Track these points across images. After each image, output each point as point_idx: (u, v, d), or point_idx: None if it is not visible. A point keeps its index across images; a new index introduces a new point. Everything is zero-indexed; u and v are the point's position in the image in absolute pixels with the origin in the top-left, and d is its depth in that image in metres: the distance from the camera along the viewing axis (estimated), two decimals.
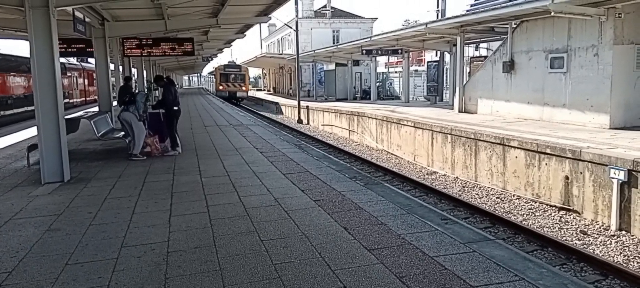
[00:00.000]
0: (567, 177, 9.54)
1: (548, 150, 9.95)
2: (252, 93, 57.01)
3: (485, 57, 22.33)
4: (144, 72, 30.29)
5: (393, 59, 38.60)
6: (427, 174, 13.71)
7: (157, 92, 20.27)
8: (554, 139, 10.43)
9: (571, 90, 13.06)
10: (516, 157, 10.91)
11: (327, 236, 4.85)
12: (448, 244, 4.58)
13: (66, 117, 8.44)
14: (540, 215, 9.42)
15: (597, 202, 8.86)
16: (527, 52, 14.65)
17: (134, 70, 25.65)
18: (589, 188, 9.02)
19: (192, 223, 5.40)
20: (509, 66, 15.20)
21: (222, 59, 67.29)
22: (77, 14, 10.21)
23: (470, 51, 28.66)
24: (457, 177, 12.96)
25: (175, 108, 10.75)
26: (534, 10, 12.95)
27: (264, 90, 70.17)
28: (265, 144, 11.62)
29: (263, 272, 4.01)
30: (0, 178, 8.32)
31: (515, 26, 15.26)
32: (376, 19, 50.82)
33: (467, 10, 17.51)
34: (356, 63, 33.79)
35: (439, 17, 24.72)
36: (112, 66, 17.02)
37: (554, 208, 9.72)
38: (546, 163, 10.04)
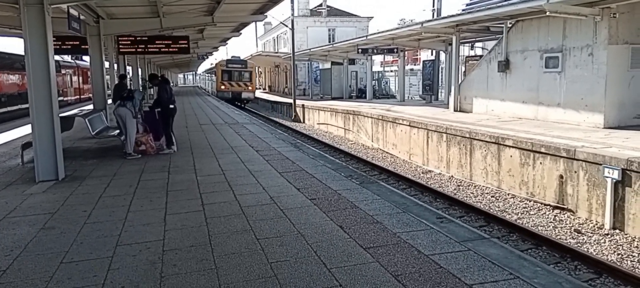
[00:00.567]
0: (561, 176, 9.58)
1: (543, 149, 9.99)
2: None
3: (481, 56, 22.39)
4: (139, 69, 30.20)
5: (389, 58, 38.68)
6: (422, 173, 13.73)
7: (151, 90, 20.24)
8: (549, 138, 10.47)
9: (566, 90, 13.12)
10: (511, 156, 10.94)
11: (323, 235, 4.86)
12: (443, 243, 4.59)
13: (61, 115, 8.40)
14: (534, 214, 9.46)
15: (591, 201, 8.91)
16: (522, 51, 14.70)
17: (128, 68, 25.56)
18: (583, 187, 9.07)
19: (187, 221, 5.39)
20: (504, 65, 15.25)
21: (218, 57, 64.73)
22: (72, 11, 10.16)
23: (465, 50, 28.69)
24: (452, 176, 12.99)
25: (172, 106, 10.73)
26: (529, 9, 13.00)
27: (260, 88, 69.88)
28: (261, 143, 11.61)
29: (259, 271, 4.01)
30: None
31: (510, 26, 15.30)
32: (372, 17, 50.82)
33: (463, 10, 17.54)
34: (352, 62, 33.79)
35: (435, 16, 24.74)
36: (107, 64, 16.94)
37: (548, 207, 9.76)
38: (541, 163, 10.08)
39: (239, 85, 37.20)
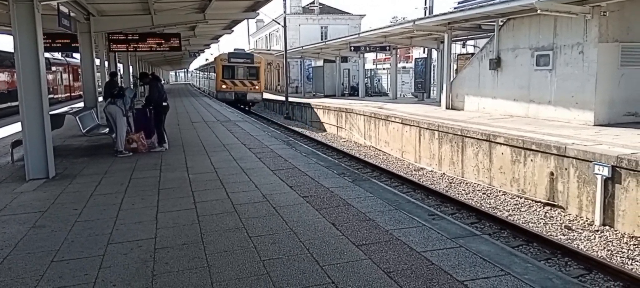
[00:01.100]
0: (552, 173, 9.65)
1: (533, 147, 10.05)
2: None
3: (472, 54, 22.48)
4: (131, 67, 30.04)
5: (381, 55, 38.71)
6: (414, 170, 13.78)
7: (142, 88, 20.13)
8: (540, 136, 10.54)
9: (556, 88, 13.21)
10: (502, 154, 11.01)
11: (316, 232, 4.86)
12: (435, 239, 4.61)
13: (51, 112, 8.33)
14: (525, 211, 9.53)
15: (582, 198, 8.99)
16: (514, 49, 14.78)
17: (119, 66, 25.40)
18: (574, 184, 9.14)
19: (179, 219, 5.37)
20: (496, 63, 15.32)
21: (215, 51, 61.50)
22: (62, 8, 10.07)
23: (457, 48, 28.80)
24: (444, 173, 13.04)
25: (164, 104, 10.68)
26: (521, 7, 13.06)
27: None
28: (253, 140, 11.59)
29: (251, 268, 4.00)
30: None
31: (502, 24, 15.38)
32: (364, 15, 50.90)
33: (455, 8, 17.60)
34: (344, 59, 33.82)
35: (427, 14, 24.80)
36: (97, 61, 16.83)
37: (539, 203, 9.83)
38: (531, 160, 10.15)
39: (244, 85, 30.41)
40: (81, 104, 17.78)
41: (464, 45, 29.55)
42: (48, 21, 9.98)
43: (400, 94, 29.52)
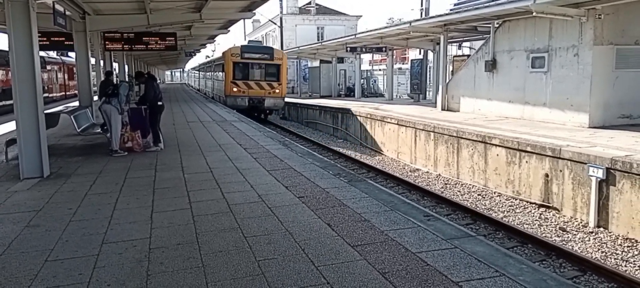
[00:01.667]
0: (547, 175, 9.69)
1: (528, 149, 10.09)
2: None
3: (468, 56, 22.54)
4: (126, 66, 29.95)
5: (377, 56, 38.82)
6: (410, 171, 13.79)
7: (137, 87, 20.07)
8: (535, 138, 10.58)
9: (552, 90, 13.26)
10: (497, 155, 11.04)
11: (311, 232, 4.86)
12: (430, 240, 4.62)
13: (46, 111, 8.29)
14: (520, 212, 9.56)
15: (576, 200, 9.02)
16: (509, 51, 14.83)
17: (115, 65, 25.35)
18: (568, 186, 9.17)
19: (174, 219, 5.36)
20: (491, 65, 15.37)
21: (211, 52, 57.95)
22: (58, 6, 10.05)
23: (453, 50, 28.90)
24: (439, 174, 13.07)
25: (160, 103, 10.65)
26: (516, 10, 13.11)
27: None
28: (249, 141, 11.58)
29: (246, 269, 4.00)
30: None
31: (497, 26, 15.43)
32: (361, 16, 50.97)
33: (451, 10, 17.63)
34: (340, 60, 33.83)
35: (423, 15, 24.87)
36: (93, 60, 16.77)
37: (534, 205, 9.86)
38: (526, 161, 10.18)
39: (261, 87, 23.86)
40: (76, 103, 17.70)
41: (459, 47, 29.65)
42: (43, 19, 9.94)
43: (396, 95, 29.58)
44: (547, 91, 13.40)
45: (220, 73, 26.65)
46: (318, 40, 41.81)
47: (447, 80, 18.77)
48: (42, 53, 22.40)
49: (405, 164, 14.79)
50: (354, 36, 26.39)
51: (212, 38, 31.63)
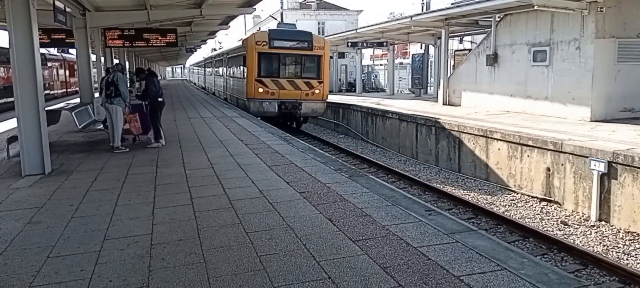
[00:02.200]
0: (548, 169, 9.68)
1: (530, 143, 10.08)
2: None
3: (470, 50, 22.49)
4: (127, 63, 29.92)
5: (378, 51, 38.73)
6: (411, 166, 13.78)
7: (138, 84, 20.07)
8: (536, 131, 10.56)
9: (553, 83, 13.23)
10: (499, 149, 11.03)
11: (312, 228, 4.86)
12: (432, 235, 4.62)
13: (47, 108, 8.30)
14: (522, 206, 9.55)
15: (578, 193, 9.01)
16: (511, 45, 14.79)
17: (115, 61, 25.33)
18: (570, 180, 9.16)
19: (175, 215, 5.36)
20: (493, 59, 15.33)
21: (218, 44, 54.81)
22: (58, 3, 10.02)
23: (454, 44, 28.83)
24: (441, 169, 13.05)
25: (160, 99, 10.64)
26: (518, 3, 13.06)
27: None
28: (250, 136, 11.57)
29: (248, 264, 4.00)
30: None
31: (499, 19, 15.38)
32: (361, 11, 50.80)
33: (452, 3, 17.63)
34: (341, 55, 33.78)
35: (424, 9, 24.82)
36: (93, 57, 16.75)
37: (535, 199, 9.86)
38: (528, 155, 10.17)
39: (297, 87, 17.92)
40: (77, 100, 17.70)
41: (461, 41, 29.59)
42: (43, 16, 9.93)
43: (398, 90, 29.53)
44: (549, 85, 13.37)
45: (239, 68, 20.29)
46: (319, 35, 41.65)
47: (449, 75, 18.73)
48: (42, 50, 22.39)
49: (406, 159, 14.78)
50: (355, 31, 26.36)
51: (212, 34, 31.53)
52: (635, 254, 7.19)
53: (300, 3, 49.93)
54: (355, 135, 19.48)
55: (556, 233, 8.01)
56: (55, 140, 11.21)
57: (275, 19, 34.77)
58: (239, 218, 5.22)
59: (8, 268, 4.00)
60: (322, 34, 40.68)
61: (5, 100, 22.31)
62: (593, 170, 8.51)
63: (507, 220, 8.42)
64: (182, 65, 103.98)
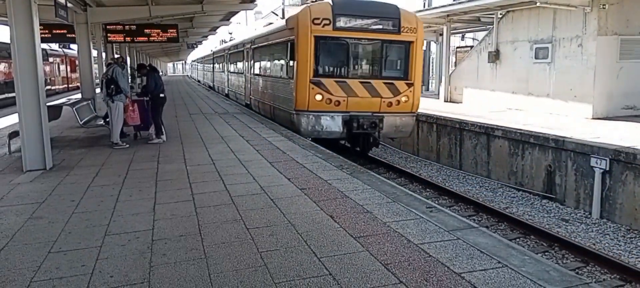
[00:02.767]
0: (549, 166, 9.66)
1: (531, 140, 10.06)
2: None
3: (472, 47, 22.45)
4: (128, 58, 29.92)
5: None
6: (412, 163, 13.77)
7: (139, 80, 20.07)
8: (537, 129, 10.54)
9: (555, 80, 13.20)
10: (500, 146, 11.01)
11: (313, 224, 4.86)
12: (433, 232, 4.61)
13: (48, 104, 8.29)
14: (523, 204, 9.54)
15: (579, 191, 9.01)
16: (513, 42, 14.76)
17: (116, 56, 25.33)
18: (571, 177, 9.15)
19: (177, 211, 5.36)
20: (494, 56, 15.30)
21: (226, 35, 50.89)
22: None
23: (456, 41, 28.77)
24: (442, 166, 13.04)
25: (162, 95, 10.64)
26: (520, 0, 13.03)
27: None
28: (251, 133, 11.56)
29: (249, 260, 4.00)
30: None
31: (501, 16, 15.34)
32: None
33: (454, 0, 17.55)
34: None
35: (426, 6, 24.73)
36: (95, 53, 16.76)
37: (536, 196, 9.85)
38: (529, 153, 10.16)
39: (375, 93, 11.41)
40: (79, 95, 17.71)
41: (463, 38, 29.51)
42: (45, 11, 9.92)
43: None
44: (551, 82, 13.34)
45: (278, 63, 14.05)
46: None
47: (450, 72, 18.71)
48: (44, 45, 22.42)
49: (408, 155, 14.76)
50: None
51: (214, 29, 31.53)
52: (637, 252, 7.19)
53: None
54: None
55: (557, 231, 8.01)
56: (57, 136, 11.21)
57: (277, 15, 34.53)
58: (240, 214, 5.22)
59: (9, 263, 4.00)
60: None
61: (6, 95, 22.33)
62: (595, 167, 8.50)
63: (508, 217, 8.42)
64: (183, 61, 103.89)
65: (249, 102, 18.30)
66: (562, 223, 8.45)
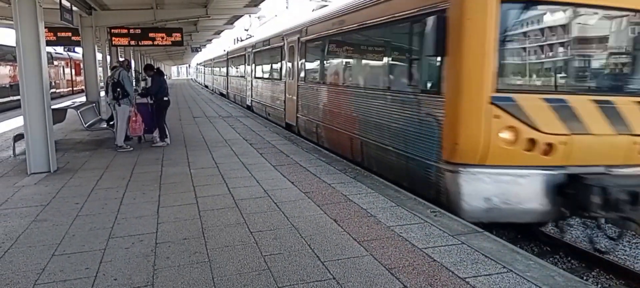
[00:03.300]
0: None
1: None
2: None
3: None
4: (132, 61, 30.03)
5: None
6: None
7: (143, 83, 20.15)
8: None
9: None
10: None
11: (317, 228, 4.85)
12: (437, 236, 4.60)
13: (53, 107, 8.33)
14: None
15: None
16: None
17: (121, 58, 25.43)
18: None
19: (180, 214, 5.36)
20: None
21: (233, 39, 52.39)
22: (64, 2, 10.07)
23: None
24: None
25: (165, 99, 10.67)
26: None
27: None
28: (255, 136, 11.57)
29: (252, 264, 3.99)
30: None
31: None
32: None
33: None
34: None
35: None
36: (99, 56, 16.84)
37: None
38: None
39: (622, 122, 5.48)
40: (83, 98, 17.78)
41: None
42: (50, 15, 9.99)
43: None
44: None
45: (403, 63, 7.30)
46: None
47: None
48: (49, 49, 22.53)
49: None
50: None
51: (218, 33, 31.63)
52: None
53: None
54: None
55: (562, 236, 7.95)
56: (61, 139, 11.26)
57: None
58: (244, 217, 5.21)
59: (13, 266, 4.01)
60: None
61: (11, 98, 22.44)
62: None
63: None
64: (188, 65, 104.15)
65: (314, 132, 11.01)
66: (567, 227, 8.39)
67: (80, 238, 4.63)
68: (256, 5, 17.26)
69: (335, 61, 10.15)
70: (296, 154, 9.02)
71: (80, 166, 8.24)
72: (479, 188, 5.52)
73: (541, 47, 5.84)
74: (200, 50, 46.58)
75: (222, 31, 30.11)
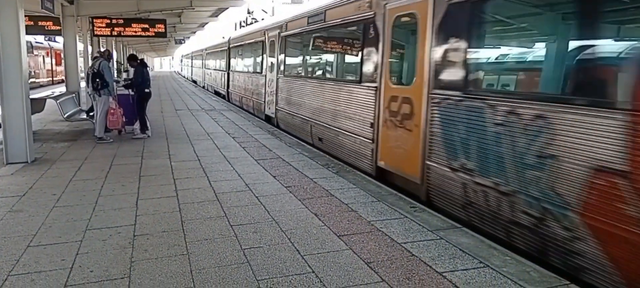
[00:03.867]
0: None
1: None
2: None
3: None
4: (115, 53, 29.64)
5: None
6: None
7: (125, 74, 19.90)
8: None
9: None
10: None
11: (298, 222, 4.85)
12: (416, 231, 4.63)
13: (31, 96, 8.18)
14: None
15: None
16: None
17: (102, 48, 25.09)
18: None
19: (160, 207, 5.32)
20: None
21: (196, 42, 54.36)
22: None
23: None
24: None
25: (147, 90, 10.56)
26: None
27: None
28: (238, 130, 11.52)
29: (231, 257, 3.98)
30: None
31: None
32: None
33: None
34: None
35: None
36: (81, 46, 16.58)
37: None
38: None
39: None
40: (63, 88, 17.49)
41: None
42: (30, 3, 9.79)
43: None
44: None
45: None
46: None
47: None
48: (29, 37, 22.11)
49: None
50: None
51: (202, 25, 31.38)
52: None
53: None
54: None
55: None
56: (40, 129, 11.08)
57: (266, 13, 34.42)
58: (224, 211, 5.19)
59: None
60: None
61: None
62: None
63: None
64: (171, 57, 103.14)
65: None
66: None
67: (56, 230, 4.57)
68: None
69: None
70: (279, 149, 9.01)
71: (59, 157, 8.12)
72: None
73: None
74: (184, 42, 46.12)
75: (206, 23, 29.88)
